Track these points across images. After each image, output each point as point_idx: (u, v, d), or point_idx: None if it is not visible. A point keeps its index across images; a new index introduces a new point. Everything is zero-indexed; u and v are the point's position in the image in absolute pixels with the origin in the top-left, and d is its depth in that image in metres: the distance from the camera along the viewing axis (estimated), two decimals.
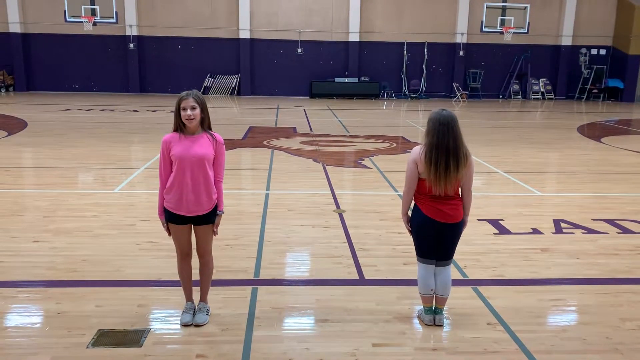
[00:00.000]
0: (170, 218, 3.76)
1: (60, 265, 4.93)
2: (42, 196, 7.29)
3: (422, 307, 4.03)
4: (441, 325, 3.93)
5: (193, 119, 3.61)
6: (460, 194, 3.84)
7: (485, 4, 23.64)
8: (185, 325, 3.85)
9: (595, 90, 25.96)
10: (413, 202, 3.91)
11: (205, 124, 3.72)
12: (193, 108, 3.62)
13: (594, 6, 26.01)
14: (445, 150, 3.62)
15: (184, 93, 3.66)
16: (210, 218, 3.80)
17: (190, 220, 3.76)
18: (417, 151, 3.77)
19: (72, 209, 6.69)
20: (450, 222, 3.77)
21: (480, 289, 4.59)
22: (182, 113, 3.61)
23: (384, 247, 5.54)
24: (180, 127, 3.68)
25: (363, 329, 3.88)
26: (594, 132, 15.63)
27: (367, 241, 5.72)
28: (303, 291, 4.53)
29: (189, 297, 3.99)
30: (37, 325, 3.87)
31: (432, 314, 3.95)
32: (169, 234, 3.85)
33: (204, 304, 4.02)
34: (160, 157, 3.74)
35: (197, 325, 3.85)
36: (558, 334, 3.86)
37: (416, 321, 4.01)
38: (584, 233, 6.16)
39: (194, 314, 3.93)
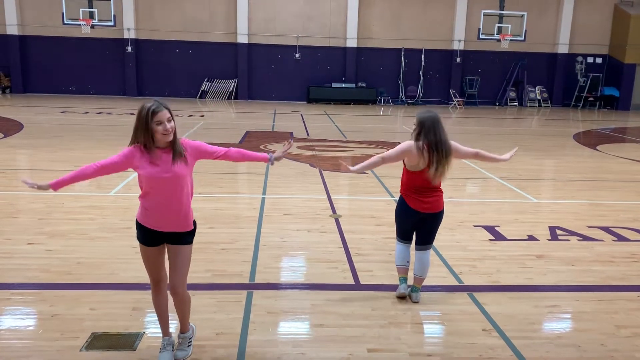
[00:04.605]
0: (141, 237, 3.38)
1: (55, 267, 4.90)
2: (38, 198, 7.25)
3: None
4: (417, 302, 4.36)
5: (172, 132, 3.17)
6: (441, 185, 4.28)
7: (483, 11, 23.72)
8: None
9: (591, 98, 26.07)
10: (399, 195, 4.34)
11: (176, 136, 3.24)
12: (169, 120, 3.14)
13: (591, 15, 26.17)
14: (443, 145, 4.04)
15: (153, 105, 3.11)
16: (185, 238, 3.36)
17: (163, 238, 3.35)
18: (411, 147, 4.07)
19: (68, 212, 6.66)
20: (433, 212, 4.24)
21: (476, 295, 4.58)
22: (158, 128, 3.10)
23: (380, 252, 5.53)
24: (148, 143, 3.15)
25: (358, 334, 3.87)
26: (590, 139, 15.69)
27: (363, 246, 5.71)
28: (298, 296, 4.51)
29: (165, 332, 3.54)
30: (31, 328, 3.85)
31: (407, 287, 4.39)
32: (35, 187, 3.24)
33: (185, 334, 3.58)
34: (116, 158, 3.21)
35: None
36: (553, 341, 3.86)
37: (412, 327, 4.01)
38: (579, 240, 6.16)
39: (173, 349, 3.51)
